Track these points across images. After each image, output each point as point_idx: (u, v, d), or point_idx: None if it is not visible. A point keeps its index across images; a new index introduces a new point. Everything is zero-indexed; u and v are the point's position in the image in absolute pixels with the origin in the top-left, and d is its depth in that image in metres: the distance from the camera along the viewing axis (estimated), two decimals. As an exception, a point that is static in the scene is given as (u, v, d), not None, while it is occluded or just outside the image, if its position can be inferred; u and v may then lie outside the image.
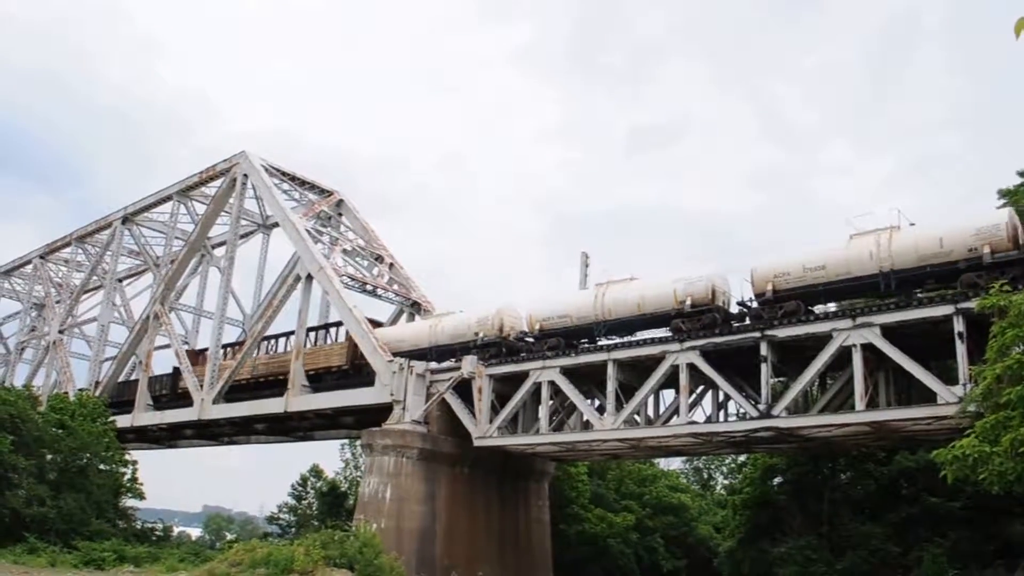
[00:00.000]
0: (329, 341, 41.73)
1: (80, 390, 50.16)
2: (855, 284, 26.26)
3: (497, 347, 34.15)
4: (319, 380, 40.01)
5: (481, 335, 34.88)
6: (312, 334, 42.35)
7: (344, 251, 43.83)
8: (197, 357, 48.45)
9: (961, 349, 22.50)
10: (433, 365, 35.16)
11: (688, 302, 29.32)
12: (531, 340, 33.83)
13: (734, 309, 29.42)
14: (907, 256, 25.02)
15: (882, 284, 25.69)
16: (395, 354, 35.57)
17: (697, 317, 29.09)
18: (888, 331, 24.00)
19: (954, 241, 24.13)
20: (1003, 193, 24.94)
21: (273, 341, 44.29)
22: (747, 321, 28.48)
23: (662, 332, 30.48)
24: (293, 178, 47.20)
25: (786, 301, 27.19)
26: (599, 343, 31.53)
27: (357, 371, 38.40)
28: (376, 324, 40.04)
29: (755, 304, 28.32)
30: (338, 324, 40.80)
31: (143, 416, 47.07)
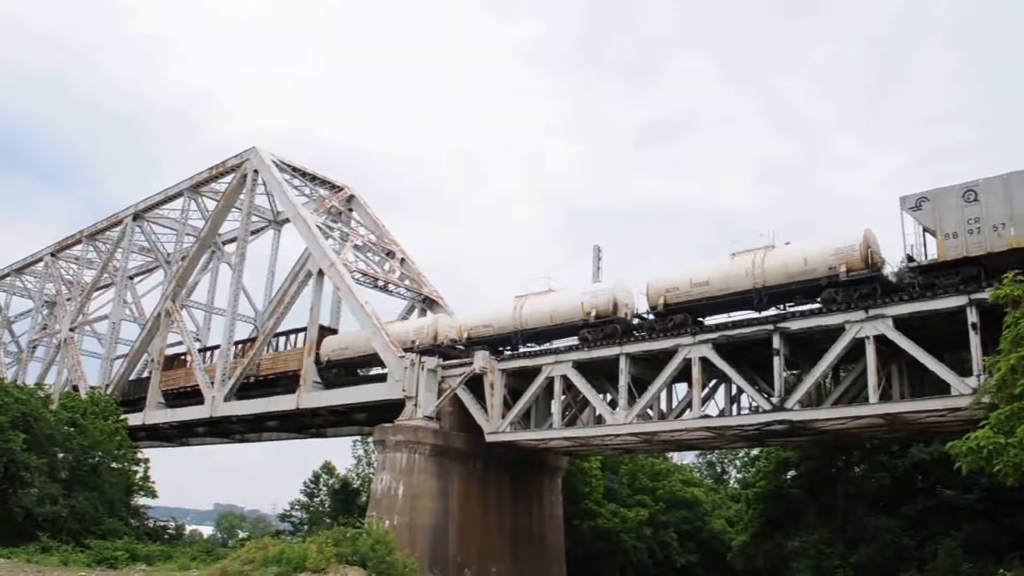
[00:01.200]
0: (289, 347, 43.72)
1: (92, 388, 50.32)
2: (734, 299, 28.57)
3: (431, 353, 35.71)
4: (276, 384, 42.20)
5: (418, 342, 36.93)
6: (277, 339, 44.69)
7: (355, 246, 43.79)
8: (172, 362, 49.18)
9: (975, 340, 22.35)
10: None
11: (593, 313, 31.85)
12: (461, 348, 35.90)
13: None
14: (777, 274, 27.50)
15: (755, 299, 28.02)
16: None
17: (600, 327, 31.44)
18: (901, 323, 23.86)
19: (816, 260, 26.73)
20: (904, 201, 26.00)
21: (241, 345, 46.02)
22: (643, 332, 30.86)
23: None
24: (304, 173, 47.15)
25: (676, 314, 29.67)
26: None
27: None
28: (329, 331, 43.01)
29: (650, 316, 30.90)
30: (301, 330, 42.05)
31: (155, 414, 47.15)
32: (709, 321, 29.61)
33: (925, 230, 24.67)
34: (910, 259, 25.15)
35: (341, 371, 41.02)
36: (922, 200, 24.77)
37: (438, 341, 36.52)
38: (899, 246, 25.49)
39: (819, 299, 26.57)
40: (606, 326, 31.39)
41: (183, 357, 49.61)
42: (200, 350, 48.87)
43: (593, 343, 30.94)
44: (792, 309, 27.32)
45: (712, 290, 28.91)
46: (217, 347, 46.96)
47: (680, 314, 29.57)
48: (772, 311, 27.96)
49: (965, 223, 23.73)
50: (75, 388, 52.03)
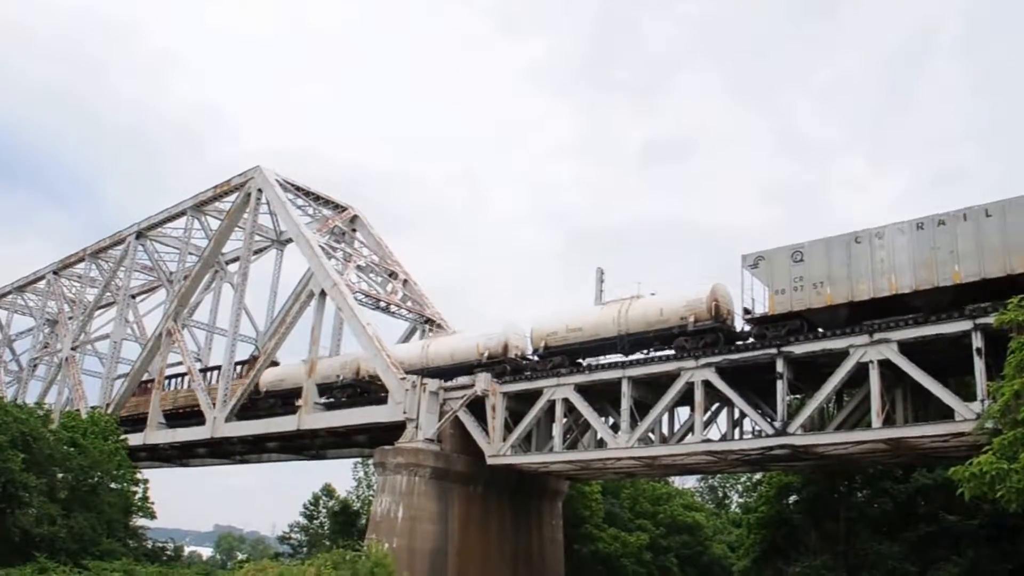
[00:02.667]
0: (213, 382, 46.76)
1: (92, 408, 50.18)
2: (602, 344, 31.83)
3: (352, 388, 40.13)
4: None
5: (341, 378, 40.74)
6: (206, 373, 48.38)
7: (358, 267, 43.76)
8: (143, 386, 50.82)
9: (979, 365, 22.33)
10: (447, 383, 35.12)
11: (486, 354, 35.08)
12: (379, 383, 37.67)
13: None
14: (639, 322, 30.80)
15: (619, 345, 31.27)
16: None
17: (491, 367, 34.24)
18: (905, 347, 23.82)
19: (670, 311, 30.01)
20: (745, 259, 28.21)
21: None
22: (527, 372, 33.71)
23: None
24: (307, 193, 47.20)
25: (555, 355, 32.95)
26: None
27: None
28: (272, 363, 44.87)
29: (536, 358, 34.10)
30: (216, 368, 46.40)
31: (155, 434, 47.01)
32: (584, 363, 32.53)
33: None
34: (746, 311, 28.04)
35: (278, 401, 43.80)
36: (759, 259, 27.75)
37: (360, 376, 40.26)
38: (760, 298, 27.89)
39: (671, 346, 29.72)
40: (496, 366, 34.37)
41: (147, 385, 50.78)
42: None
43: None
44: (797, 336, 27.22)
45: (585, 336, 32.32)
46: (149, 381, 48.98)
47: (559, 356, 32.87)
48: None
49: (792, 281, 26.67)
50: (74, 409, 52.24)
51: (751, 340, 27.97)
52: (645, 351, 31.25)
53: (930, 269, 24.39)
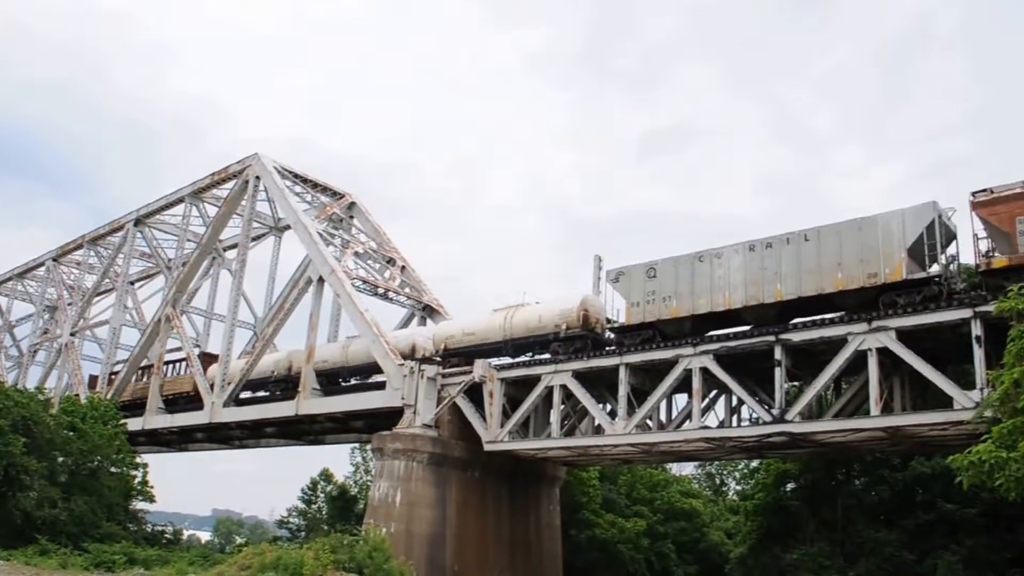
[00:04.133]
0: (175, 373, 49.85)
1: (92, 392, 50.24)
2: (491, 347, 34.98)
3: (285, 383, 43.29)
4: (174, 403, 47.13)
5: (275, 373, 44.12)
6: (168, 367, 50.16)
7: (356, 254, 43.70)
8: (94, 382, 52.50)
9: (978, 353, 22.26)
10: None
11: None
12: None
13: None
14: (521, 328, 34.08)
15: (503, 349, 34.75)
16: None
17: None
18: (904, 335, 23.76)
19: (547, 320, 33.22)
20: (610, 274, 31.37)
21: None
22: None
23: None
24: (305, 180, 47.10)
25: (453, 357, 35.91)
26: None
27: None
28: (211, 358, 47.51)
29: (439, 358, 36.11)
30: (183, 360, 48.73)
31: (154, 419, 47.06)
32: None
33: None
34: (608, 321, 31.70)
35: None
36: (620, 274, 30.78)
37: (291, 372, 43.05)
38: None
39: (548, 351, 32.73)
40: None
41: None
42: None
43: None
44: (795, 321, 27.15)
45: (476, 339, 35.56)
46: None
47: (455, 357, 35.94)
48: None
49: (645, 295, 29.63)
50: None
51: (611, 348, 31.12)
52: (528, 354, 34.51)
53: (758, 287, 27.06)
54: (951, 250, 25.56)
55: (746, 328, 27.89)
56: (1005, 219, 23.31)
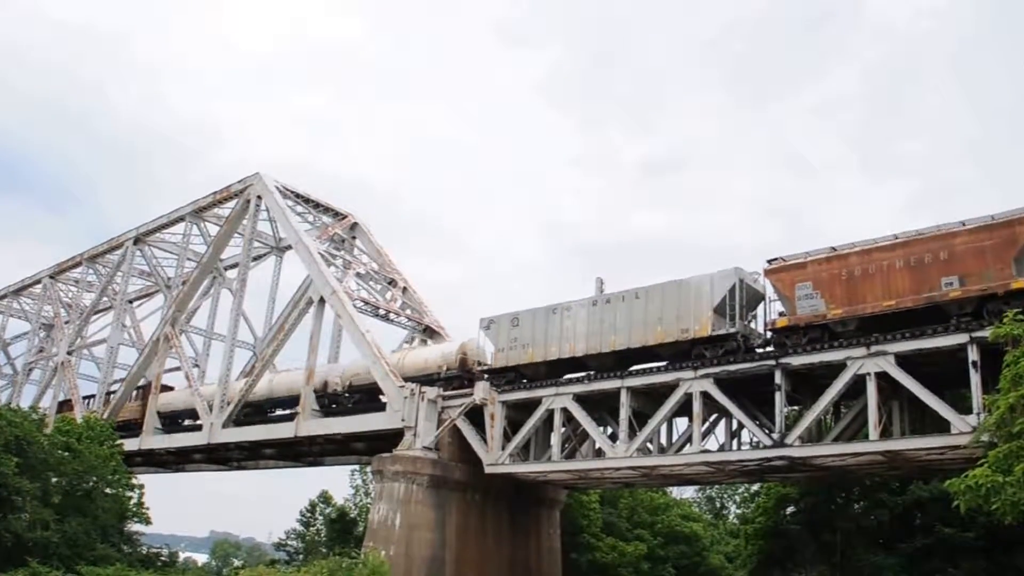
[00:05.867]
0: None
1: (88, 411, 50.07)
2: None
3: None
4: (129, 428, 48.18)
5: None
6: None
7: (357, 275, 43.77)
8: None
9: (975, 378, 22.44)
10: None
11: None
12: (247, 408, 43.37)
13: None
14: (412, 368, 37.27)
15: (303, 399, 38.59)
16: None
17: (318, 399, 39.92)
18: (903, 360, 23.90)
19: (432, 361, 37.11)
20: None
21: None
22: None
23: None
24: (307, 200, 47.20)
25: (357, 392, 39.44)
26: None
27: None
28: (167, 388, 50.36)
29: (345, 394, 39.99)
30: (145, 386, 50.43)
31: (151, 439, 46.92)
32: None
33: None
34: (478, 363, 35.02)
35: (167, 420, 48.45)
36: (491, 323, 34.09)
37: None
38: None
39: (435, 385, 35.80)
40: (320, 399, 39.99)
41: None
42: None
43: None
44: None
45: (376, 377, 37.02)
46: None
47: (359, 393, 39.35)
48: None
49: (509, 341, 32.98)
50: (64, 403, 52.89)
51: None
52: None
53: (598, 338, 30.51)
54: (760, 309, 28.69)
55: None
56: (787, 285, 26.87)
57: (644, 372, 29.70)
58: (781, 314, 27.06)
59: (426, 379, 36.18)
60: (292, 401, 40.84)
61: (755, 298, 28.60)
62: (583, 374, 31.73)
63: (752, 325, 28.60)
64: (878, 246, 25.61)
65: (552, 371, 32.04)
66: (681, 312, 28.55)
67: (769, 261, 27.61)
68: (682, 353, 28.69)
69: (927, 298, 24.24)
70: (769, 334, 27.78)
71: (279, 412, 44.09)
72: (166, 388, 50.26)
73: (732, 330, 27.66)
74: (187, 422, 48.67)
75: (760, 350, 27.84)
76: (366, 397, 39.26)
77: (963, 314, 23.72)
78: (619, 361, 30.31)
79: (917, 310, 24.44)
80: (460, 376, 35.64)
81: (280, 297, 52.68)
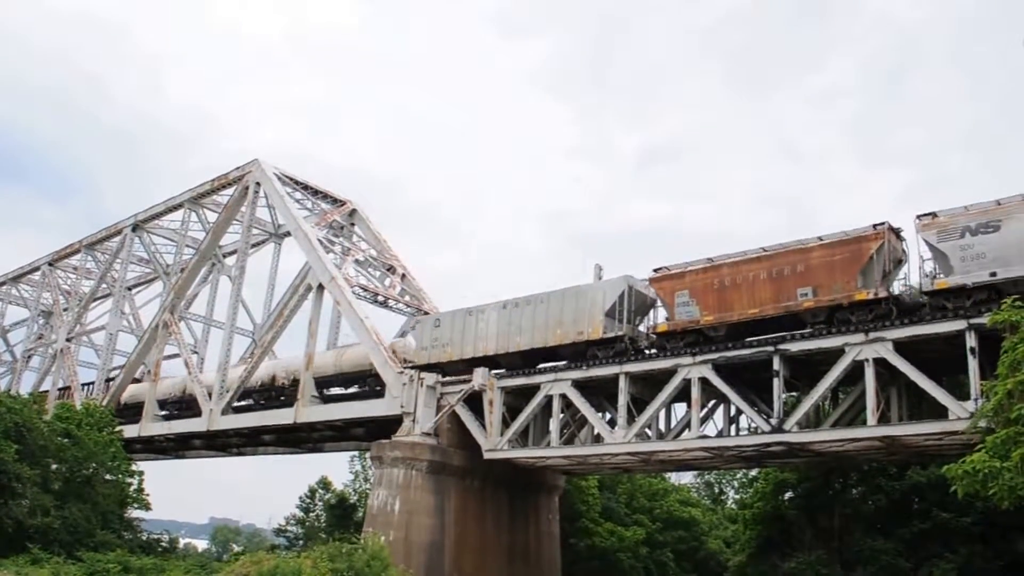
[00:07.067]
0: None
1: (87, 398, 50.15)
2: (328, 380, 40.78)
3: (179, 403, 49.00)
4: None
5: (172, 394, 49.23)
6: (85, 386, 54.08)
7: (356, 261, 43.73)
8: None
9: (973, 364, 22.47)
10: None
11: (259, 383, 43.56)
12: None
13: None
14: (347, 365, 40.04)
15: (334, 382, 41.37)
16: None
17: (261, 393, 43.92)
18: (901, 346, 23.93)
19: (367, 359, 37.94)
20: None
21: None
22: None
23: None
24: (306, 187, 47.09)
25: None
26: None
27: None
28: (137, 381, 52.09)
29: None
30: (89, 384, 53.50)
31: (151, 426, 47.02)
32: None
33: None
34: (405, 361, 36.09)
35: (130, 411, 49.76)
36: (416, 323, 37.43)
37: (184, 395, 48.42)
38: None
39: (365, 385, 39.54)
40: (264, 392, 43.66)
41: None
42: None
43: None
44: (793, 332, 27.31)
45: (316, 372, 39.83)
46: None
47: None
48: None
49: (431, 341, 35.02)
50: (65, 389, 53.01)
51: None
52: (356, 386, 40.43)
53: (506, 338, 32.82)
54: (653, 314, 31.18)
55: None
56: (668, 293, 29.29)
57: (642, 358, 29.73)
58: (667, 319, 29.35)
59: (360, 375, 39.11)
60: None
61: (645, 304, 31.08)
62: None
63: (641, 328, 31.08)
64: (746, 258, 27.64)
65: (469, 368, 33.61)
66: (578, 316, 30.98)
67: (655, 270, 29.92)
68: (579, 353, 31.23)
69: (785, 307, 26.41)
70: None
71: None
72: (137, 380, 52.46)
73: (620, 333, 30.12)
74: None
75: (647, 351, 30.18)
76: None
77: (817, 322, 25.98)
78: (525, 360, 32.70)
79: (777, 318, 26.63)
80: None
81: (279, 284, 52.79)
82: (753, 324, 27.22)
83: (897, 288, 25.56)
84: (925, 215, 24.35)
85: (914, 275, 25.48)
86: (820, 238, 26.36)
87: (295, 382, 40.73)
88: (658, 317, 30.59)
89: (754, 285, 27.04)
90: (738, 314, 27.25)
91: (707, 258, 28.75)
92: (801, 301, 25.94)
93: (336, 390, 42.26)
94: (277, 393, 43.10)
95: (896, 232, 25.83)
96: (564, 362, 32.16)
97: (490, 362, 33.42)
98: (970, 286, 23.13)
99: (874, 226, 25.54)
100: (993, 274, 22.79)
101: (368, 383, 39.66)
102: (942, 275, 23.84)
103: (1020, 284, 22.38)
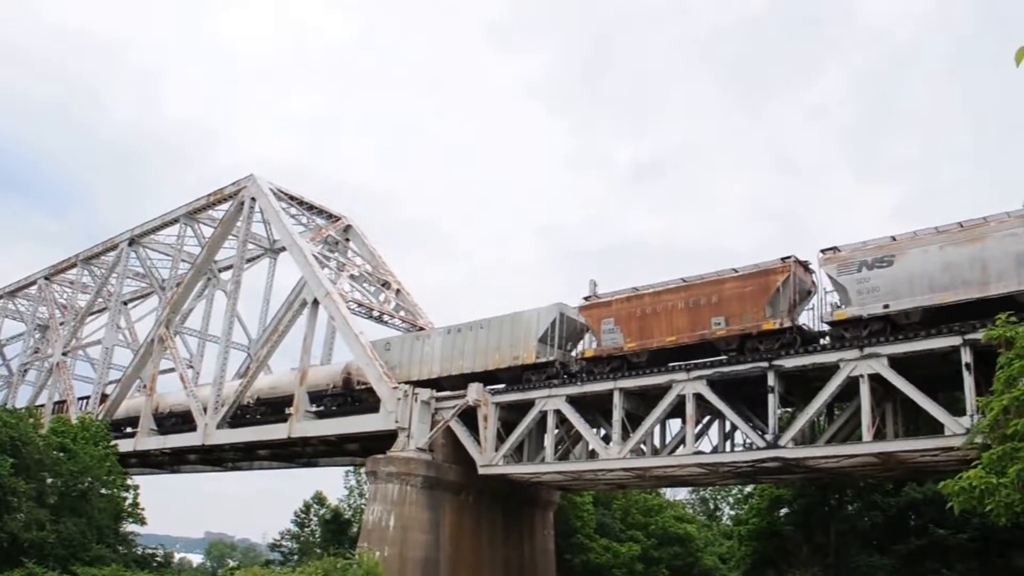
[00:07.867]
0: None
1: (83, 412, 49.99)
2: (288, 399, 40.13)
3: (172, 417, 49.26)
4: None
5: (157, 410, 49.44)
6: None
7: (351, 276, 43.76)
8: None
9: (968, 380, 22.42)
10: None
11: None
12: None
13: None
14: (312, 384, 39.80)
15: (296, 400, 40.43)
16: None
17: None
18: (896, 362, 23.92)
19: (322, 379, 40.31)
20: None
21: None
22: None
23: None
24: (301, 202, 47.16)
25: (263, 406, 43.30)
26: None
27: None
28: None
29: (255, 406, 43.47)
30: (85, 398, 53.85)
31: (146, 440, 46.86)
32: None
33: None
34: (358, 382, 37.79)
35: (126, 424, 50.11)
36: (371, 347, 36.93)
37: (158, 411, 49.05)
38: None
39: (320, 404, 40.17)
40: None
41: None
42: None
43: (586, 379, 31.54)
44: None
45: (279, 392, 42.06)
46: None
47: (264, 406, 43.32)
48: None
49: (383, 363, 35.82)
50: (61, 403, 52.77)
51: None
52: (317, 404, 40.57)
53: (451, 362, 34.74)
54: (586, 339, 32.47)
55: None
56: (596, 320, 30.77)
57: (637, 374, 29.73)
58: (595, 345, 30.81)
59: (319, 395, 40.13)
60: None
61: (576, 330, 32.81)
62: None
63: (573, 353, 32.58)
64: (666, 288, 29.14)
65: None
66: (514, 341, 32.78)
67: (585, 298, 31.43)
68: (515, 378, 32.80)
69: (700, 335, 27.80)
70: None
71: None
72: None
73: (552, 358, 31.90)
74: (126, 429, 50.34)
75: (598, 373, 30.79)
76: (271, 410, 43.02)
77: (730, 350, 27.31)
78: (467, 382, 33.39)
79: (693, 345, 28.08)
80: (344, 394, 39.46)
81: (274, 299, 52.77)
82: (672, 351, 28.76)
83: (802, 319, 27.08)
84: (828, 249, 25.79)
85: (824, 306, 26.86)
86: (735, 270, 27.70)
87: (259, 401, 42.97)
88: (591, 343, 31.87)
89: (672, 314, 28.55)
90: (657, 341, 28.75)
91: (632, 287, 30.15)
92: (715, 330, 27.40)
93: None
94: (242, 411, 43.66)
95: (804, 265, 27.30)
96: (501, 385, 33.21)
97: (435, 384, 34.85)
98: (866, 317, 24.51)
99: (782, 259, 26.91)
100: (886, 306, 24.21)
101: (324, 403, 40.48)
102: (842, 306, 25.18)
103: (911, 315, 24.05)
